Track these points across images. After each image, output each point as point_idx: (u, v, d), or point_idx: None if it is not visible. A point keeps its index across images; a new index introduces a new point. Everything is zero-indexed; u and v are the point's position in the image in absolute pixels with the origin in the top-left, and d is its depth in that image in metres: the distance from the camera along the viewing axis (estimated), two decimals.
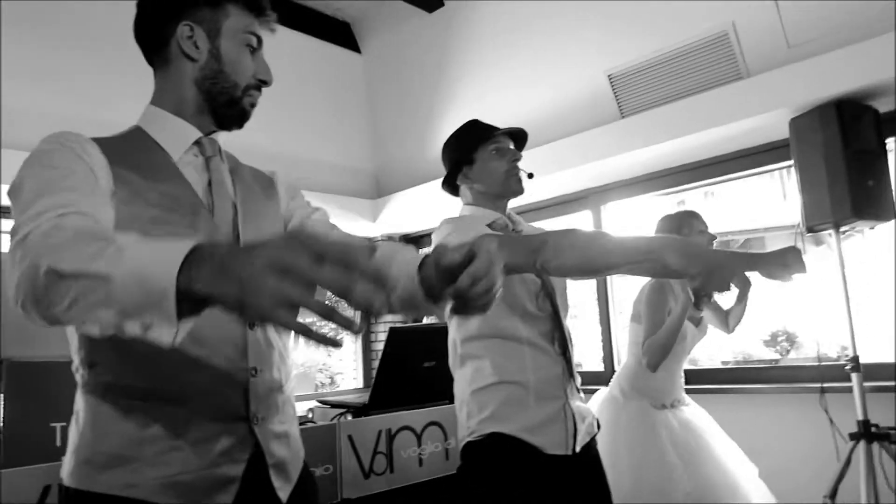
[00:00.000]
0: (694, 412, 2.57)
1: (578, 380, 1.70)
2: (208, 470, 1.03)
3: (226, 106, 1.17)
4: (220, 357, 1.05)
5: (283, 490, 1.11)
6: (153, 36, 1.16)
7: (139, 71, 1.26)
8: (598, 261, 1.42)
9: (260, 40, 1.19)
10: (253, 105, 1.20)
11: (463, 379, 1.69)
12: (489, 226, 1.67)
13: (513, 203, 1.83)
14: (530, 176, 1.80)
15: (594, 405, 2.64)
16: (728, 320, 2.73)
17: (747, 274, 2.57)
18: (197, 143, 1.17)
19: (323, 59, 4.22)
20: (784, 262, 1.36)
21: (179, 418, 1.02)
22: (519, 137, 1.84)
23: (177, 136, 1.15)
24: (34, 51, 3.18)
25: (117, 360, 1.01)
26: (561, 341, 1.65)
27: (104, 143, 1.07)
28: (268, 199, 1.27)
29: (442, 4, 3.88)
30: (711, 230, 2.58)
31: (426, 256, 1.01)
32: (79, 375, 1.05)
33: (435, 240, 1.65)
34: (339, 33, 4.26)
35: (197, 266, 0.68)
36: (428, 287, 0.95)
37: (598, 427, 1.76)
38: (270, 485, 1.09)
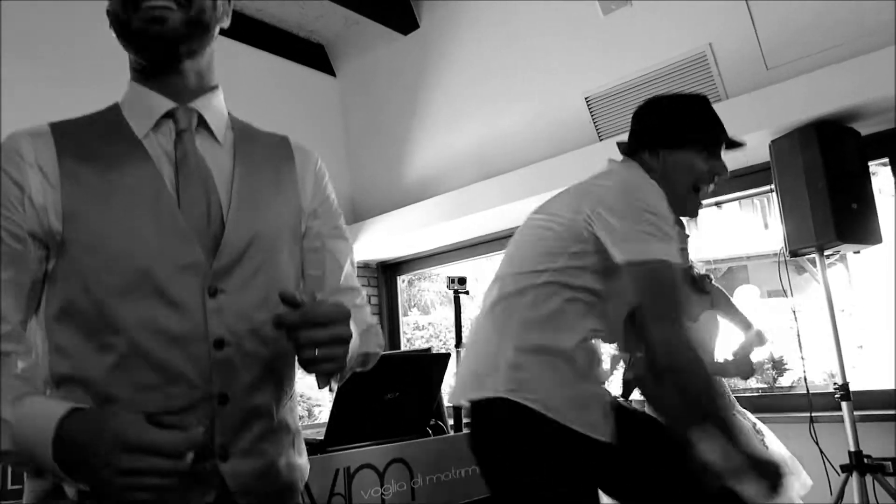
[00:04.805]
0: (750, 422, 2.65)
1: None
2: None
3: (127, 38, 0.96)
4: (180, 382, 0.90)
5: None
6: None
7: None
8: None
9: None
10: (156, 20, 0.91)
11: (550, 330, 1.40)
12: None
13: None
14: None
15: None
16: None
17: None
18: (170, 115, 0.99)
19: (297, 81, 4.17)
20: None
21: None
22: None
23: (142, 107, 0.99)
24: None
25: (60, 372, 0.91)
26: None
27: (64, 130, 0.96)
28: (278, 186, 1.06)
29: (417, 27, 3.84)
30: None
31: None
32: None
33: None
34: (314, 56, 4.21)
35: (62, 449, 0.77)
36: None
37: None
38: None
